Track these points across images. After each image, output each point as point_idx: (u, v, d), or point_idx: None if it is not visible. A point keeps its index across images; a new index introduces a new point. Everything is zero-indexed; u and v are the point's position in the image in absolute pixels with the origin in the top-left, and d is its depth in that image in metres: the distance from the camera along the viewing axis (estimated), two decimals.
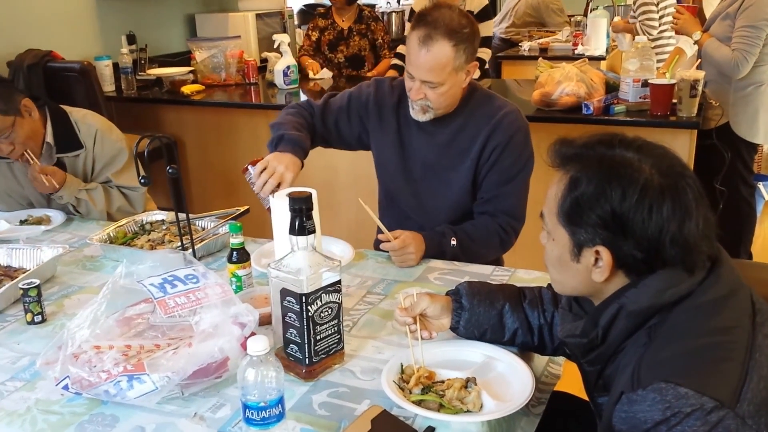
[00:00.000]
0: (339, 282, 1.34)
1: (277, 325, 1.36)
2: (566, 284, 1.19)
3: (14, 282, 1.69)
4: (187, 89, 3.82)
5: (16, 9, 3.47)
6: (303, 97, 3.84)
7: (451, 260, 1.88)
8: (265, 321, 1.46)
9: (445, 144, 1.97)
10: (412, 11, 4.29)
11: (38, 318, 1.61)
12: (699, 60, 3.14)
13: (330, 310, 1.33)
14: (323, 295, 1.30)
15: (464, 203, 1.99)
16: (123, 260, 1.46)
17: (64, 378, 1.26)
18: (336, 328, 1.36)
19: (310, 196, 1.31)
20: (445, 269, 1.83)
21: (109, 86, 3.86)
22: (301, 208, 1.29)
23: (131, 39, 4.09)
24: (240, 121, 3.71)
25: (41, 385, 1.34)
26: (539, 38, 5.58)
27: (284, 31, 4.67)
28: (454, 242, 1.88)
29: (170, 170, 1.74)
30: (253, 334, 1.31)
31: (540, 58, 3.52)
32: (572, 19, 5.71)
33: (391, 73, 4.06)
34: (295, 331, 1.32)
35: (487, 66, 4.15)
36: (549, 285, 1.39)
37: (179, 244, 1.86)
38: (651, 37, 4.00)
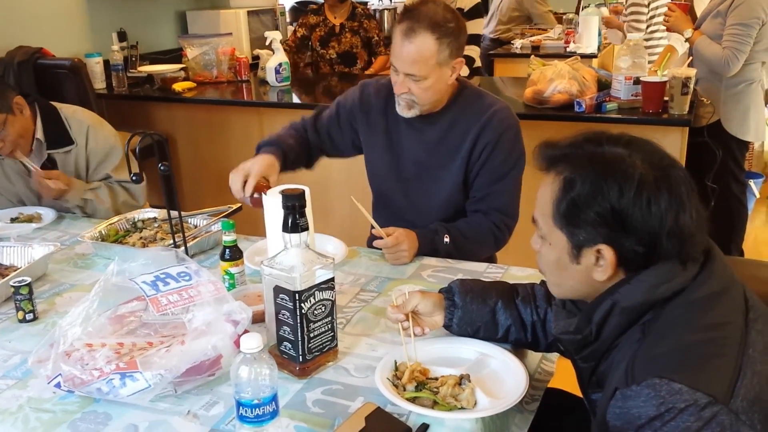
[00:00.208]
0: (332, 279, 1.33)
1: (271, 322, 1.36)
2: (565, 286, 1.18)
3: (5, 280, 1.68)
4: (178, 86, 3.80)
5: (6, 5, 3.45)
6: (297, 94, 3.84)
7: (444, 258, 1.88)
8: (258, 319, 1.45)
9: (436, 142, 1.97)
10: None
11: (30, 316, 1.60)
12: (690, 58, 3.15)
13: (323, 308, 1.33)
14: (317, 292, 1.30)
15: (456, 201, 1.99)
16: (115, 258, 1.45)
17: (57, 376, 1.25)
18: (329, 326, 1.36)
19: (303, 193, 1.30)
20: (438, 266, 1.83)
21: (100, 83, 3.85)
22: (294, 205, 1.28)
23: (122, 36, 4.07)
24: (232, 118, 3.69)
25: (33, 384, 1.33)
26: (531, 36, 5.59)
27: (276, 28, 4.65)
28: (447, 240, 1.88)
29: (162, 167, 1.73)
30: (246, 331, 1.31)
31: (532, 56, 3.52)
32: (564, 17, 5.71)
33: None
34: (288, 329, 1.31)
35: (477, 64, 4.15)
36: (542, 282, 1.39)
37: (171, 241, 1.86)
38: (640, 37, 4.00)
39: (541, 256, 1.18)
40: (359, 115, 2.05)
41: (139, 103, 3.88)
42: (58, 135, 2.36)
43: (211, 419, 1.23)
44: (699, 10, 3.47)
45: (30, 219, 2.27)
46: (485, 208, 1.95)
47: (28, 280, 1.59)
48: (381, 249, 1.85)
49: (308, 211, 1.46)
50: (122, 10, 4.11)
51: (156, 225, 2.10)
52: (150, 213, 2.16)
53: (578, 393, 1.29)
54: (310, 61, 4.38)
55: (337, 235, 1.98)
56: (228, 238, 1.65)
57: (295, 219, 1.29)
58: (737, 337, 1.01)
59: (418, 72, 1.81)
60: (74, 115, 2.42)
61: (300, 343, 1.31)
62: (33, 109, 2.34)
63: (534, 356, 1.54)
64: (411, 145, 2.00)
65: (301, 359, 1.32)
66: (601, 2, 5.49)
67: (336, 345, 1.39)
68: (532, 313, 1.41)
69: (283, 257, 1.31)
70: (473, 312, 1.41)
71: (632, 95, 2.90)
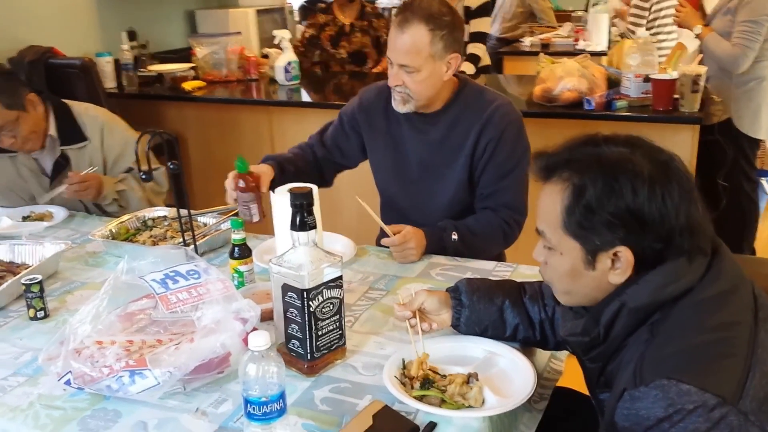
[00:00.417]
0: (340, 277, 1.34)
1: (279, 320, 1.36)
2: (578, 294, 1.15)
3: (17, 278, 1.69)
4: (188, 85, 3.81)
5: (17, 5, 3.47)
6: (304, 93, 3.85)
7: (453, 255, 1.88)
8: (266, 317, 1.46)
9: (438, 140, 1.96)
10: None
11: (41, 314, 1.61)
12: (701, 55, 3.13)
13: (331, 306, 1.33)
14: (325, 290, 1.31)
15: (462, 199, 1.99)
16: (125, 256, 1.46)
17: (66, 373, 1.26)
18: (337, 324, 1.36)
19: (310, 191, 1.31)
20: (447, 265, 1.83)
21: (110, 83, 3.86)
22: (301, 203, 1.29)
23: (132, 35, 4.08)
24: (241, 117, 3.70)
25: (44, 381, 1.34)
26: (540, 34, 5.57)
27: (285, 27, 4.66)
28: (455, 237, 1.88)
29: (172, 166, 1.74)
30: (254, 329, 1.31)
31: (541, 54, 3.50)
32: (573, 15, 5.70)
33: None
34: (296, 327, 1.32)
35: (483, 63, 4.13)
36: None
37: (181, 240, 1.86)
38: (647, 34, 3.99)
39: (550, 267, 1.16)
40: (361, 117, 2.06)
41: (150, 102, 3.89)
42: (71, 131, 2.38)
43: (220, 417, 1.24)
44: (709, 8, 3.44)
45: (41, 217, 2.29)
46: (494, 205, 1.95)
47: (39, 278, 1.60)
48: (389, 247, 1.86)
49: (316, 209, 1.47)
50: (132, 10, 4.13)
51: (166, 223, 2.11)
52: (160, 211, 2.17)
53: (587, 392, 1.28)
54: (318, 60, 4.38)
55: (347, 234, 1.98)
56: (237, 236, 1.66)
57: (303, 217, 1.30)
58: (746, 337, 1.00)
59: (410, 63, 1.82)
60: (87, 112, 2.44)
61: (308, 341, 1.31)
62: (46, 106, 2.36)
63: (543, 355, 1.53)
64: (414, 145, 2.00)
65: (309, 357, 1.32)
66: None
67: (344, 343, 1.39)
68: (540, 311, 1.40)
69: (291, 255, 1.31)
70: (480, 311, 1.41)
71: (642, 93, 2.89)
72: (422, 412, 1.21)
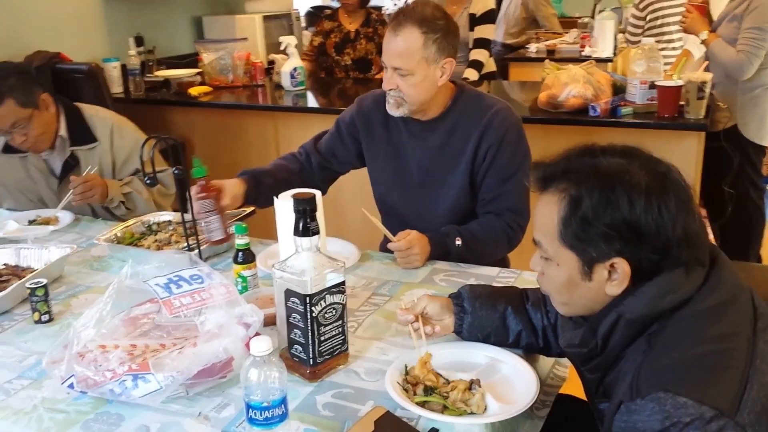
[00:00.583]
0: (343, 283, 1.34)
1: (282, 325, 1.36)
2: (576, 305, 1.15)
3: (22, 281, 1.70)
4: (194, 91, 3.83)
5: (24, 11, 3.49)
6: (310, 99, 3.86)
7: (456, 261, 1.88)
8: (270, 321, 1.46)
9: (438, 147, 1.96)
10: None
11: (45, 317, 1.62)
12: (707, 62, 3.13)
13: (334, 311, 1.33)
14: (327, 296, 1.31)
15: (463, 205, 1.99)
16: (129, 260, 1.47)
17: (70, 377, 1.27)
18: (340, 329, 1.36)
19: (313, 197, 1.31)
20: (450, 271, 1.83)
21: (117, 88, 3.88)
22: (304, 209, 1.29)
23: (139, 41, 4.10)
24: (247, 122, 3.71)
25: (48, 384, 1.35)
26: (546, 40, 5.57)
27: (291, 33, 4.68)
28: (458, 242, 1.88)
29: (176, 171, 1.75)
30: (257, 334, 1.32)
31: (546, 60, 3.51)
32: (579, 21, 5.69)
33: None
34: (299, 332, 1.32)
35: (487, 69, 4.15)
36: None
37: (186, 244, 1.87)
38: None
39: (547, 277, 1.16)
40: (360, 126, 2.06)
41: (156, 107, 3.91)
42: (82, 133, 2.41)
43: (222, 421, 1.24)
44: (715, 14, 3.44)
45: (47, 221, 2.30)
46: (496, 209, 1.94)
47: (44, 281, 1.61)
48: (393, 252, 1.86)
49: (319, 215, 1.47)
50: (139, 15, 4.15)
51: (171, 228, 2.12)
52: (165, 216, 2.18)
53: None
54: (324, 66, 4.39)
55: (351, 239, 1.98)
56: (241, 241, 1.66)
57: (305, 223, 1.30)
58: (744, 348, 1.00)
59: (403, 65, 1.82)
60: (97, 114, 2.48)
61: (310, 346, 1.31)
62: (57, 107, 2.40)
63: (546, 361, 1.53)
64: (414, 153, 2.00)
65: (311, 362, 1.33)
66: (617, 6, 5.45)
67: (347, 348, 1.39)
68: (542, 317, 1.40)
69: (294, 261, 1.32)
70: (483, 317, 1.41)
71: (647, 99, 2.89)
72: (424, 418, 1.21)
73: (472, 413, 1.23)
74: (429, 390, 1.27)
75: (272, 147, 3.59)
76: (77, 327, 1.35)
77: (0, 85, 2.22)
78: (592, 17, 5.53)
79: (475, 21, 4.06)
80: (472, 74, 3.96)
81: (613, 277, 1.07)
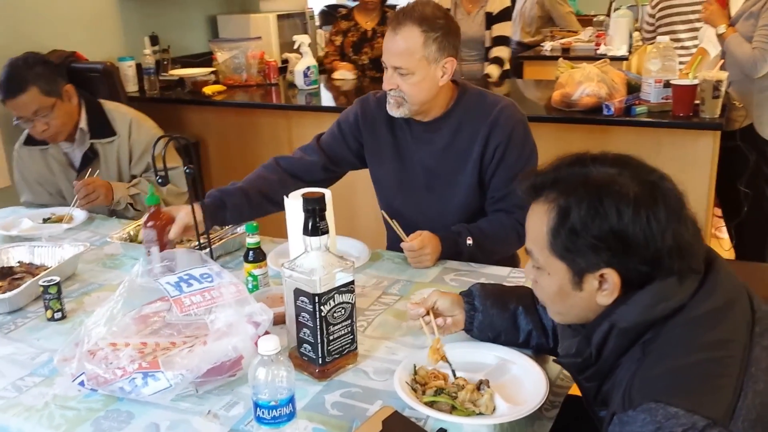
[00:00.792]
0: (352, 282, 1.34)
1: (291, 324, 1.37)
2: (569, 314, 1.15)
3: (35, 279, 1.71)
4: (208, 90, 3.85)
5: (41, 10, 3.52)
6: (324, 98, 3.86)
7: (468, 260, 1.88)
8: (280, 320, 1.46)
9: (443, 147, 1.95)
10: None
11: (58, 315, 1.63)
12: (722, 60, 3.09)
13: (343, 311, 1.33)
14: (336, 295, 1.31)
15: (471, 204, 1.98)
16: (140, 258, 1.48)
17: (80, 374, 1.28)
18: (349, 329, 1.36)
19: (323, 196, 1.31)
20: (461, 270, 1.83)
21: (132, 87, 3.91)
22: (314, 208, 1.29)
23: (154, 40, 4.12)
24: (261, 121, 3.73)
25: (59, 381, 1.36)
26: (561, 38, 5.54)
27: (305, 32, 4.68)
28: (470, 242, 1.87)
29: (187, 170, 1.75)
30: (267, 333, 1.32)
31: (560, 59, 3.49)
32: (594, 19, 5.65)
33: None
34: (308, 331, 1.32)
35: (506, 66, 4.14)
36: None
37: (197, 243, 1.88)
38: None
39: (540, 286, 1.16)
40: (364, 127, 2.04)
41: (171, 106, 3.93)
42: (101, 126, 2.46)
43: (231, 419, 1.24)
44: (734, 9, 3.40)
45: (61, 219, 2.32)
46: (506, 207, 1.93)
47: (57, 279, 1.62)
48: (403, 251, 1.86)
49: (329, 214, 1.47)
50: (154, 15, 4.17)
51: None
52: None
53: None
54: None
55: (363, 238, 1.98)
56: (251, 240, 1.67)
57: (315, 222, 1.30)
58: (739, 355, 0.98)
59: (403, 64, 1.81)
60: (117, 109, 2.53)
61: (319, 345, 1.31)
62: (79, 100, 2.44)
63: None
64: (419, 155, 1.99)
65: (320, 362, 1.33)
66: (633, 4, 5.41)
67: (356, 348, 1.39)
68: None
69: (303, 260, 1.32)
70: (494, 316, 1.41)
71: (662, 98, 2.86)
72: (432, 418, 1.21)
73: (480, 414, 1.22)
74: (438, 390, 1.27)
75: (285, 145, 3.60)
76: (88, 325, 1.36)
77: (26, 73, 2.27)
78: (608, 15, 5.49)
79: (492, 19, 4.06)
80: (494, 70, 3.97)
81: (604, 287, 1.06)
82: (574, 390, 1.50)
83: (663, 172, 1.08)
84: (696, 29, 3.99)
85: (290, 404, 1.11)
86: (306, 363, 1.36)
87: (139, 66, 3.93)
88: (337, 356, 1.35)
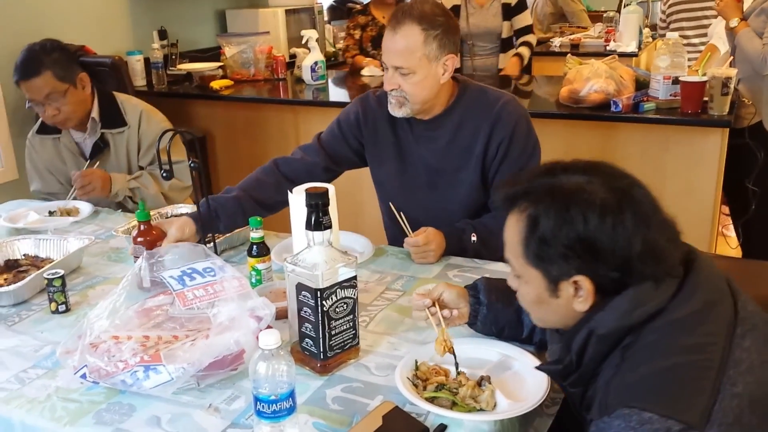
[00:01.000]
0: (355, 278, 1.34)
1: (293, 319, 1.37)
2: (549, 320, 1.17)
3: (40, 272, 1.72)
4: (216, 84, 3.86)
5: (50, 4, 3.54)
6: (330, 93, 3.86)
7: (472, 257, 1.87)
8: (282, 315, 1.46)
9: (445, 145, 1.94)
10: None
11: (62, 307, 1.64)
12: (731, 57, 3.07)
13: (345, 306, 1.33)
14: (339, 290, 1.31)
15: (475, 201, 1.97)
16: (144, 252, 1.48)
17: (82, 367, 1.28)
18: (351, 324, 1.36)
19: (326, 191, 1.31)
20: (465, 266, 1.82)
21: (140, 81, 3.92)
22: (317, 203, 1.29)
23: (162, 34, 4.13)
24: (268, 116, 3.73)
25: (62, 374, 1.37)
26: (571, 34, 5.52)
27: (314, 27, 4.68)
28: (474, 238, 1.87)
29: (192, 164, 1.76)
30: (269, 327, 1.32)
31: (569, 55, 3.47)
32: (604, 15, 5.63)
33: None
34: (310, 326, 1.32)
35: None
36: None
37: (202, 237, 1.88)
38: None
39: (520, 294, 1.18)
40: (364, 126, 2.02)
41: (179, 100, 3.94)
42: (113, 116, 2.49)
43: (232, 413, 1.25)
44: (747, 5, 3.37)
45: (67, 212, 2.33)
46: None
47: (61, 272, 1.63)
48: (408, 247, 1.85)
49: (332, 209, 1.47)
50: (163, 9, 4.18)
51: None
52: (182, 209, 2.19)
53: None
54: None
55: (369, 234, 1.98)
56: (255, 234, 1.67)
57: (318, 217, 1.30)
58: (717, 358, 0.97)
59: (404, 64, 1.80)
60: (129, 101, 2.57)
61: (321, 340, 1.31)
62: (92, 90, 2.48)
63: None
64: (421, 154, 1.98)
65: (322, 356, 1.33)
66: (643, 0, 5.38)
67: (357, 343, 1.39)
68: None
69: (306, 255, 1.32)
70: (498, 311, 1.41)
71: (671, 95, 2.84)
72: (433, 414, 1.21)
73: (481, 410, 1.22)
74: (439, 386, 1.27)
75: (292, 140, 3.60)
76: (91, 318, 1.36)
77: (43, 57, 2.32)
78: (618, 11, 5.46)
79: (511, 10, 4.08)
80: (525, 52, 4.10)
81: (579, 294, 1.06)
82: None
83: (635, 179, 1.08)
84: (703, 26, 3.97)
85: (290, 399, 1.11)
86: (308, 358, 1.36)
87: (147, 60, 3.94)
88: (338, 351, 1.35)
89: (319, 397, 1.28)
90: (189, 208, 2.19)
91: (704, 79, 2.74)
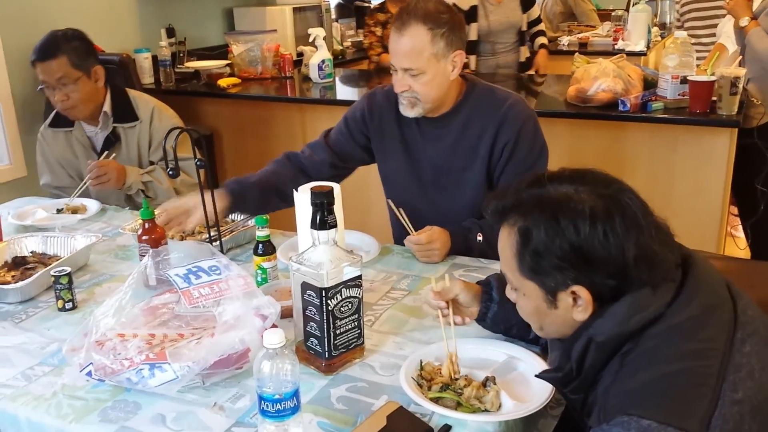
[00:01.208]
0: (360, 277, 1.34)
1: (298, 318, 1.37)
2: (550, 331, 1.16)
3: (47, 269, 1.73)
4: (223, 82, 3.86)
5: (58, 2, 3.55)
6: (338, 91, 3.86)
7: (478, 256, 1.87)
8: (288, 314, 1.46)
9: (452, 143, 1.94)
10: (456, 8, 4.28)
11: (69, 305, 1.64)
12: (740, 57, 3.05)
13: (350, 305, 1.33)
14: (343, 289, 1.31)
15: (481, 201, 1.93)
16: (150, 250, 1.48)
17: (88, 365, 1.29)
18: (356, 323, 1.36)
19: (331, 190, 1.31)
20: (471, 266, 1.82)
21: (148, 78, 3.92)
22: (322, 202, 1.29)
23: (170, 32, 4.14)
24: (275, 114, 3.73)
25: (68, 371, 1.37)
26: (579, 33, 5.50)
27: (321, 25, 4.68)
28: (480, 238, 1.86)
29: (198, 162, 1.76)
30: (274, 326, 1.32)
31: (576, 53, 3.45)
32: (613, 14, 5.60)
33: None
34: (315, 325, 1.32)
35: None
36: None
37: (208, 235, 1.89)
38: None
39: (519, 307, 1.17)
40: (371, 123, 2.03)
41: (186, 98, 3.94)
42: (125, 111, 2.52)
43: (237, 412, 1.25)
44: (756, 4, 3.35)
45: (75, 210, 2.34)
46: None
47: (68, 270, 1.64)
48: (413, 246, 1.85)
49: (338, 208, 1.47)
50: (171, 7, 4.19)
51: None
52: None
53: None
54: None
55: (376, 233, 1.98)
56: (261, 233, 1.67)
57: (323, 216, 1.30)
58: (717, 364, 0.96)
59: (413, 65, 1.80)
60: (141, 97, 2.60)
61: (326, 339, 1.32)
62: (106, 84, 2.51)
63: None
64: (427, 152, 1.97)
65: (327, 356, 1.33)
66: None
67: (362, 342, 1.39)
68: None
69: (311, 254, 1.32)
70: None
71: (679, 94, 2.83)
72: (437, 414, 1.21)
73: (486, 410, 1.22)
74: (443, 386, 1.27)
75: (299, 138, 3.60)
76: (97, 315, 1.37)
77: (62, 43, 2.36)
78: (626, 10, 5.44)
79: (528, 2, 4.15)
80: (545, 40, 4.26)
81: (578, 304, 1.06)
82: None
83: (623, 184, 1.07)
84: (713, 26, 3.95)
85: (294, 398, 1.11)
86: (312, 357, 1.36)
87: (155, 58, 3.94)
88: (343, 350, 1.35)
89: (323, 396, 1.28)
90: None
91: (713, 78, 2.73)
